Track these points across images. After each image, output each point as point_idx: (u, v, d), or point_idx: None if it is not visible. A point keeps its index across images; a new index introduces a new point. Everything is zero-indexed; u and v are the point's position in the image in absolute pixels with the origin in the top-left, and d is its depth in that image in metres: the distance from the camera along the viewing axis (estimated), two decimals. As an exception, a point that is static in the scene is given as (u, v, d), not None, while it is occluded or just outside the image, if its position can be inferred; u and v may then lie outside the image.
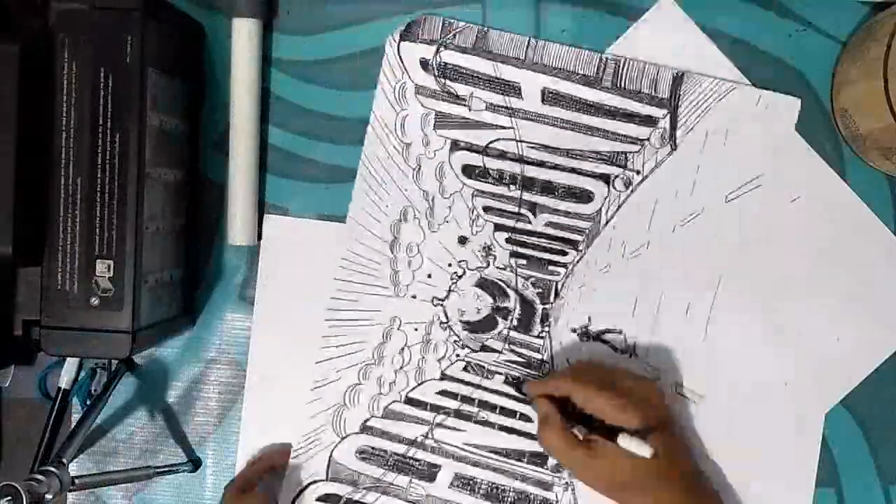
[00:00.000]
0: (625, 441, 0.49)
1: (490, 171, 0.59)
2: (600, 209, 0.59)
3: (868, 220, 0.59)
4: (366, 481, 0.59)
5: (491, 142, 0.58)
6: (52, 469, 0.50)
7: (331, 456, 0.59)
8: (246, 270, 0.60)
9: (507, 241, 0.59)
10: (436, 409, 0.59)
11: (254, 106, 0.58)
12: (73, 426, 0.56)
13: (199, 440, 0.60)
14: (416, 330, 0.59)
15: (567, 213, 0.59)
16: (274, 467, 0.59)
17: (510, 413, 0.59)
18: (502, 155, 0.59)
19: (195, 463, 0.60)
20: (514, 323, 0.59)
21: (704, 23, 0.59)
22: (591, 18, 0.59)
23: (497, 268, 0.59)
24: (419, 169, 0.59)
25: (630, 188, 0.58)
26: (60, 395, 0.57)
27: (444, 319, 0.59)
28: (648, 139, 0.58)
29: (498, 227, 0.59)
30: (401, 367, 0.59)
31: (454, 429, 0.59)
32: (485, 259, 0.59)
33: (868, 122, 0.54)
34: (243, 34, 0.58)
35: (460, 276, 0.59)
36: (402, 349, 0.59)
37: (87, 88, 0.49)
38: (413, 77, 0.58)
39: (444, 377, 0.59)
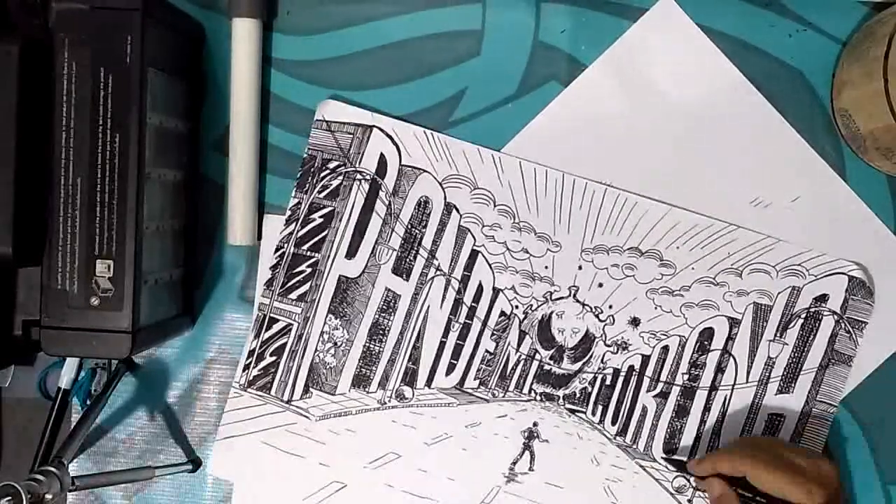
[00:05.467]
0: None
1: None
2: None
3: (868, 220, 0.59)
4: None
5: None
6: (52, 469, 0.50)
7: None
8: (246, 270, 0.60)
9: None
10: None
11: (254, 106, 0.58)
12: (73, 426, 0.56)
13: (199, 440, 0.60)
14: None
15: None
16: None
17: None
18: None
19: (195, 463, 0.60)
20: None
21: (704, 23, 0.59)
22: (591, 18, 0.59)
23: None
24: None
25: None
26: (60, 395, 0.57)
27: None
28: None
29: None
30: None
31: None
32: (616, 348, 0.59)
33: (868, 122, 0.54)
34: (243, 34, 0.58)
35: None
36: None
37: (87, 88, 0.49)
38: None
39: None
